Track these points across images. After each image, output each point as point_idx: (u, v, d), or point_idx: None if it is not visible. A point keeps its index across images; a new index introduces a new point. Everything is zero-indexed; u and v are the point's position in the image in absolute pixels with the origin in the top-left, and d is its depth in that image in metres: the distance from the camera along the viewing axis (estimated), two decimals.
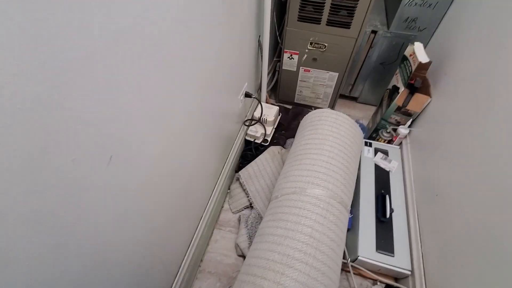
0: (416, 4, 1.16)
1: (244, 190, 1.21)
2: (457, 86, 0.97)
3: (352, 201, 1.14)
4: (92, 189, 0.41)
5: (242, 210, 1.19)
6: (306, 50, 1.29)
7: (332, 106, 1.54)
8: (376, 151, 1.26)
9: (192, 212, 0.91)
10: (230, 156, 1.20)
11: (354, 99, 1.67)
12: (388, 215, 1.04)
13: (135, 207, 0.54)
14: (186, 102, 0.65)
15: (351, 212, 1.11)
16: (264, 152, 1.27)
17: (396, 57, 1.36)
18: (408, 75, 1.13)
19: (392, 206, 1.08)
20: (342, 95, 1.65)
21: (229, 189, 1.26)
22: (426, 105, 1.14)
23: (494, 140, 0.72)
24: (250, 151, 1.32)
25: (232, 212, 1.19)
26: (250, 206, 1.19)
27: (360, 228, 1.03)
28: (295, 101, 1.57)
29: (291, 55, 1.33)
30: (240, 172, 1.23)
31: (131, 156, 0.48)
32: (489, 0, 0.89)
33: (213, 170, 1.03)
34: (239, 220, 1.15)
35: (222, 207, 1.21)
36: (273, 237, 0.82)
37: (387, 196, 1.09)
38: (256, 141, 1.32)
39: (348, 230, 1.11)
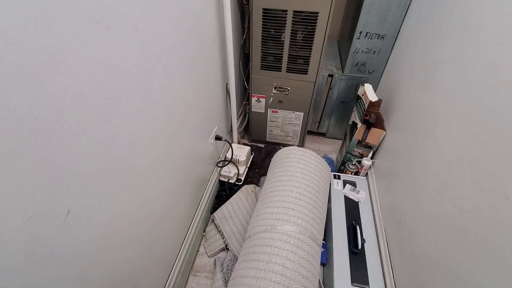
0: (362, 51, 1.33)
1: (219, 231, 1.20)
2: (403, 120, 1.08)
3: (325, 234, 1.17)
4: (48, 245, 0.42)
5: (218, 252, 1.17)
6: (272, 94, 1.40)
7: (302, 142, 1.63)
8: (345, 183, 1.33)
9: (162, 259, 0.89)
10: (204, 197, 1.21)
11: (323, 134, 1.78)
12: (360, 246, 1.07)
13: (95, 258, 0.54)
14: (150, 150, 0.69)
15: (324, 246, 1.13)
16: (238, 192, 1.30)
17: (354, 96, 1.51)
18: (363, 112, 1.25)
19: (364, 236, 1.11)
20: (311, 132, 1.75)
21: (204, 231, 1.25)
22: (383, 138, 1.25)
23: (434, 167, 0.80)
24: (224, 191, 1.34)
25: (208, 256, 1.17)
26: (226, 248, 1.17)
27: (335, 262, 1.04)
28: (267, 140, 1.65)
29: (258, 98, 1.44)
30: (215, 213, 1.24)
31: (89, 208, 0.50)
32: (418, 48, 1.05)
33: (185, 213, 1.04)
34: (214, 264, 1.12)
35: (198, 251, 1.18)
36: (245, 279, 0.82)
37: (358, 227, 1.12)
38: (230, 181, 1.35)
39: (324, 265, 1.12)
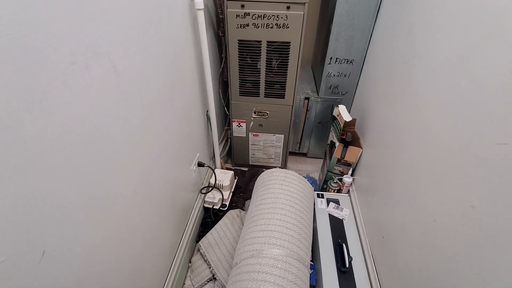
0: (334, 75, 1.42)
1: (205, 261, 1.17)
2: (376, 137, 1.14)
3: (313, 254, 1.16)
4: None
5: (205, 283, 1.13)
6: (252, 118, 1.44)
7: (284, 163, 1.66)
8: (328, 201, 1.35)
9: None
10: (188, 226, 1.19)
11: (304, 154, 1.82)
12: (347, 264, 1.07)
13: None
14: (130, 182, 0.69)
15: (312, 267, 1.12)
16: (223, 217, 1.28)
17: (330, 117, 1.58)
18: (340, 131, 1.31)
19: (350, 254, 1.12)
20: (293, 152, 1.79)
21: (190, 262, 1.21)
22: (360, 155, 1.30)
23: (407, 181, 0.85)
24: (209, 218, 1.32)
25: None
26: (214, 278, 1.14)
27: (324, 283, 1.03)
28: (250, 163, 1.67)
29: (239, 123, 1.47)
30: (200, 242, 1.21)
31: (66, 246, 0.49)
32: (382, 70, 1.14)
33: (169, 244, 1.01)
34: None
35: (184, 284, 1.14)
36: None
37: (344, 245, 1.13)
38: (214, 207, 1.34)
39: (314, 287, 1.11)
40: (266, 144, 1.55)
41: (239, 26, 1.16)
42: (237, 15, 1.13)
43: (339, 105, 1.31)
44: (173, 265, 1.04)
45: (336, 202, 1.34)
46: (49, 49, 0.41)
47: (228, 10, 1.13)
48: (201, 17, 0.97)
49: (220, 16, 1.25)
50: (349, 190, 1.41)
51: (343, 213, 1.29)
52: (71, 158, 0.48)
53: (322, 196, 1.37)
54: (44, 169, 0.42)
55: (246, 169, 1.67)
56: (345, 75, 1.42)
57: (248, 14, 1.12)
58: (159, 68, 0.79)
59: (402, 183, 0.89)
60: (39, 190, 0.42)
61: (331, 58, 1.37)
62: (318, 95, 1.51)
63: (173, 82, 0.90)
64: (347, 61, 1.37)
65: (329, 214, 1.28)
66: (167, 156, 0.91)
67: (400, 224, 0.88)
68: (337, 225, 1.24)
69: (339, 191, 1.42)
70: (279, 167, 1.56)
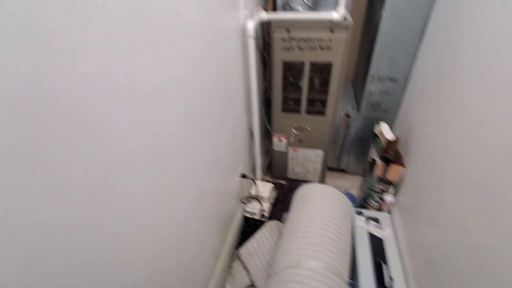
0: (376, 93, 1.43)
1: (244, 268, 1.23)
2: (421, 156, 1.12)
3: (352, 272, 1.16)
4: None
5: None
6: (292, 134, 1.50)
7: (322, 178, 1.68)
8: (368, 219, 1.33)
9: None
10: (230, 234, 1.27)
11: (343, 170, 1.82)
12: (388, 285, 1.05)
13: None
14: (187, 194, 0.79)
15: (351, 286, 1.12)
16: (262, 228, 1.34)
17: (371, 134, 1.57)
18: (381, 149, 1.31)
19: (392, 275, 1.09)
20: (331, 168, 1.80)
21: (230, 268, 1.28)
22: (403, 174, 1.28)
23: (455, 202, 0.83)
24: (249, 228, 1.39)
25: None
26: (252, 285, 1.19)
27: None
28: (289, 176, 1.72)
29: (279, 138, 1.54)
30: (240, 250, 1.28)
31: (134, 248, 0.58)
32: (428, 89, 1.13)
33: (213, 251, 1.09)
34: None
35: None
36: None
37: (384, 265, 1.11)
38: (254, 217, 1.40)
39: None
40: (305, 159, 1.60)
41: (284, 49, 1.25)
42: (283, 39, 1.22)
43: (380, 123, 1.32)
44: (215, 270, 1.12)
45: (376, 220, 1.32)
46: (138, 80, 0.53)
47: (274, 34, 1.22)
48: (251, 44, 1.08)
49: (266, 40, 1.36)
50: (390, 209, 1.38)
51: (384, 233, 1.26)
52: (147, 171, 0.58)
53: (361, 214, 1.36)
54: (121, 185, 0.53)
55: (284, 182, 1.72)
56: (387, 93, 1.42)
57: (293, 38, 1.21)
58: (215, 94, 0.90)
59: (449, 204, 0.87)
60: (117, 206, 0.52)
61: (373, 76, 1.39)
62: (359, 112, 1.52)
63: (225, 106, 1.00)
64: (390, 79, 1.38)
65: (368, 232, 1.27)
66: (217, 168, 1.01)
67: (447, 248, 0.85)
68: (377, 244, 1.22)
69: (379, 209, 1.40)
70: (318, 182, 1.58)
